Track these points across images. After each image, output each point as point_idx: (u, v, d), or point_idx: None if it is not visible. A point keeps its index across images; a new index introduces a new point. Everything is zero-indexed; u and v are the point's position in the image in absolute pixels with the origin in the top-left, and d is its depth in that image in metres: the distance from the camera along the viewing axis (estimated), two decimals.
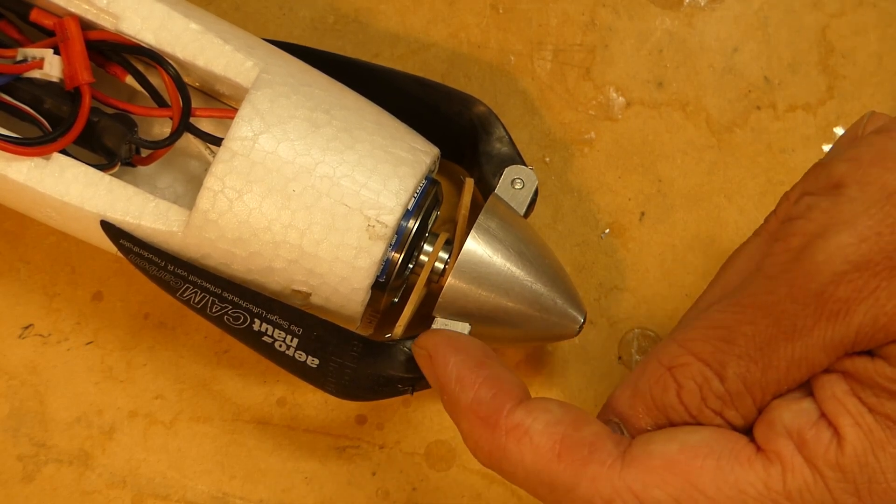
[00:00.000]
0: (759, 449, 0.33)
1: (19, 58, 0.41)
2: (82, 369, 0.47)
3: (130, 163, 0.43)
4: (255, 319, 0.41)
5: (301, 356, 0.41)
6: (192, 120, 0.42)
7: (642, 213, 0.48)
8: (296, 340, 0.41)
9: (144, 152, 0.43)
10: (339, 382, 0.42)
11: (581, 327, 0.42)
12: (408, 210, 0.41)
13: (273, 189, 0.40)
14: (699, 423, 0.34)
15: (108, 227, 0.41)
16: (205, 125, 0.43)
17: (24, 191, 0.41)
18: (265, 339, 0.41)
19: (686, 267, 0.48)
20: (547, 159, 0.49)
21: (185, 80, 0.42)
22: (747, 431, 0.34)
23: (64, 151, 0.41)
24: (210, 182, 0.40)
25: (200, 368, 0.47)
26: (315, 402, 0.46)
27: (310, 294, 0.41)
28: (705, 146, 0.49)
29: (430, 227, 0.44)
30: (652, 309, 0.47)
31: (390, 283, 0.42)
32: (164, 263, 0.41)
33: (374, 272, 0.41)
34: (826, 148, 0.49)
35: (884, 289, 0.31)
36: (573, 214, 0.48)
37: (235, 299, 0.41)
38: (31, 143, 0.41)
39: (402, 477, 0.46)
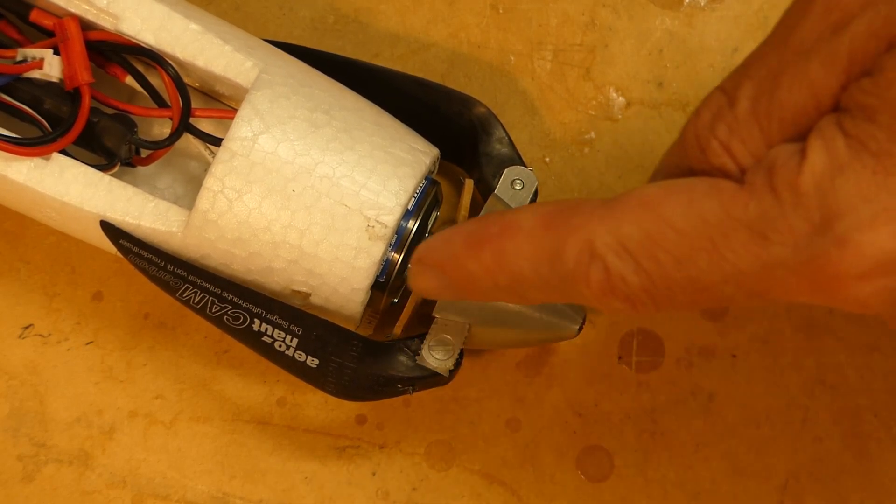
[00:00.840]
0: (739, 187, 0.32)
1: (19, 58, 0.41)
2: (82, 369, 0.47)
3: (130, 163, 0.43)
4: (255, 319, 0.41)
5: (301, 356, 0.41)
6: (191, 120, 0.42)
7: None
8: (295, 340, 0.41)
9: (144, 153, 0.43)
10: (338, 382, 0.42)
11: (580, 328, 0.43)
12: (407, 210, 0.41)
13: (273, 189, 0.40)
14: (711, 169, 0.32)
15: (108, 228, 0.41)
16: (204, 125, 0.43)
17: (23, 191, 0.41)
18: (265, 339, 0.41)
19: None
20: (547, 159, 0.49)
21: (185, 80, 0.42)
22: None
23: (64, 152, 0.41)
24: (210, 182, 0.40)
25: (200, 368, 0.47)
26: (315, 402, 0.46)
27: (309, 294, 0.41)
28: None
29: (429, 227, 0.44)
30: None
31: (390, 283, 0.42)
32: (163, 264, 0.41)
33: (374, 272, 0.41)
34: None
35: None
36: None
37: (235, 299, 0.41)
38: (31, 144, 0.41)
39: (402, 477, 0.46)
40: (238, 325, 0.41)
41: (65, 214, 0.42)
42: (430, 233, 0.43)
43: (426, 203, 0.42)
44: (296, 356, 0.41)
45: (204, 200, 0.40)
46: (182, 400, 0.46)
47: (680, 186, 0.32)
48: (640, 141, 0.49)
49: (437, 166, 0.44)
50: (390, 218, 0.41)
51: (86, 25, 0.42)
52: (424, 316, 0.43)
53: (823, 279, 0.30)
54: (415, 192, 0.41)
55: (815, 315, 0.47)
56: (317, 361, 0.41)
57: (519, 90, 0.49)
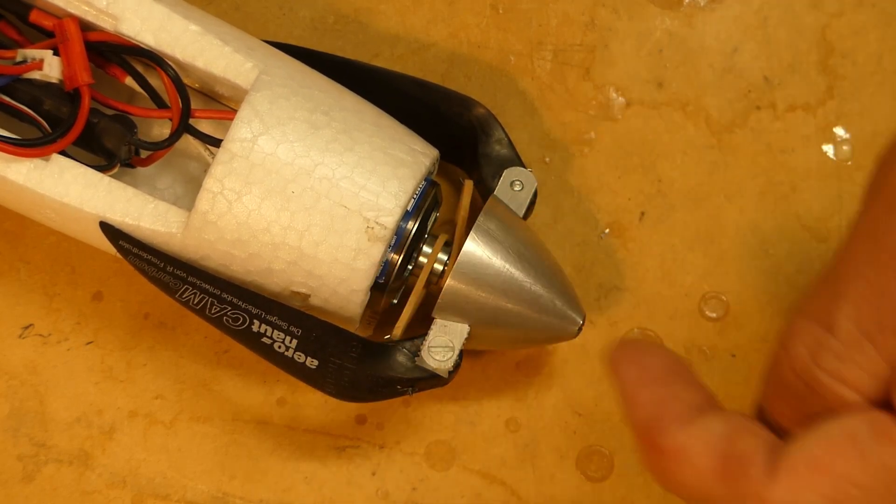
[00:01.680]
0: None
1: (19, 59, 0.41)
2: (82, 369, 0.47)
3: (130, 164, 0.43)
4: (255, 320, 0.41)
5: (300, 357, 0.41)
6: (191, 121, 0.42)
7: (642, 214, 0.48)
8: (295, 341, 0.41)
9: (144, 153, 0.43)
10: (338, 383, 0.42)
11: (580, 329, 0.43)
12: (407, 211, 0.41)
13: (272, 191, 0.40)
14: (827, 402, 0.31)
15: (108, 229, 0.41)
16: (204, 126, 0.43)
17: (23, 192, 0.41)
18: (264, 340, 0.41)
19: (686, 267, 0.48)
20: (547, 159, 0.49)
21: (185, 81, 0.42)
22: (887, 404, 0.31)
23: (63, 152, 0.41)
24: (209, 183, 0.40)
25: (200, 368, 0.47)
26: (315, 402, 0.46)
27: (309, 295, 0.41)
28: (705, 146, 0.49)
29: (429, 228, 0.44)
30: (652, 309, 0.47)
31: (389, 284, 0.42)
32: (163, 265, 0.41)
33: (374, 274, 0.41)
34: (826, 148, 0.49)
35: None
36: (573, 214, 0.48)
37: (234, 300, 0.41)
38: (31, 145, 0.41)
39: (402, 477, 0.46)
40: (237, 325, 0.41)
41: (64, 215, 0.42)
42: (430, 234, 0.43)
43: (426, 204, 0.42)
44: (295, 357, 0.41)
45: (203, 201, 0.40)
46: (182, 400, 0.46)
47: (837, 436, 0.30)
48: (640, 141, 0.49)
49: (436, 167, 0.44)
50: (390, 219, 0.41)
51: (85, 26, 0.42)
52: (424, 317, 0.43)
53: None
54: (414, 193, 0.41)
55: None
56: (316, 362, 0.41)
57: (519, 90, 0.49)
